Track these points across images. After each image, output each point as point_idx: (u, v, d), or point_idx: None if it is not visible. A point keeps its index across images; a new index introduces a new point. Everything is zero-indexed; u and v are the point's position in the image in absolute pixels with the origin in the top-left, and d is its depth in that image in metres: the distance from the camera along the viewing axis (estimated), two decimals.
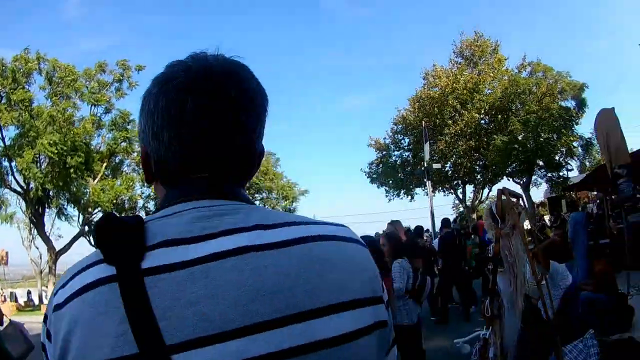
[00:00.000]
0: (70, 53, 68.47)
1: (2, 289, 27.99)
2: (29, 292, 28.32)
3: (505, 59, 29.02)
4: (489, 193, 33.03)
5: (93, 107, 24.98)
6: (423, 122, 24.91)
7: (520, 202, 3.94)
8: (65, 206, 24.89)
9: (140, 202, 28.69)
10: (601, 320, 5.18)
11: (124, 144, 25.82)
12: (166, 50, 58.97)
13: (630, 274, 7.41)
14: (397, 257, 5.63)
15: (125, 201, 27.45)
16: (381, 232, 9.15)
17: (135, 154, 26.62)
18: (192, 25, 69.73)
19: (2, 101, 22.25)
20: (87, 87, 24.34)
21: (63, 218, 25.13)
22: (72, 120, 21.95)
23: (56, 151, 20.57)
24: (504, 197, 3.75)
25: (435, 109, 28.56)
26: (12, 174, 21.93)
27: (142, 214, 28.64)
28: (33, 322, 19.53)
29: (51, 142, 20.59)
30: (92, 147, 24.01)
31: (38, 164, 21.81)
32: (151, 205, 28.33)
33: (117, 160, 27.91)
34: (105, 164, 26.13)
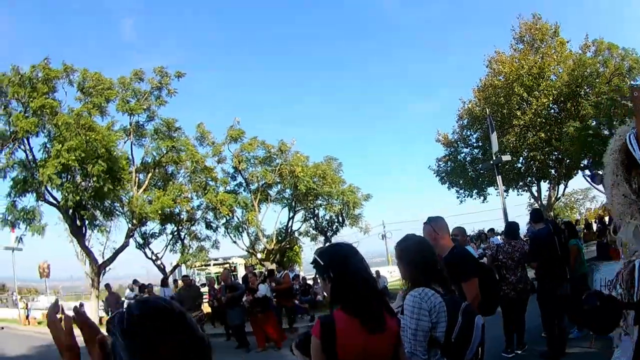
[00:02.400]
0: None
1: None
2: (81, 305, 27.28)
3: (567, 42, 27.21)
4: (564, 190, 31.37)
5: (131, 116, 24.03)
6: (487, 110, 23.13)
7: None
8: (98, 217, 23.87)
9: (199, 214, 27.28)
10: None
11: (171, 153, 24.77)
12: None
13: None
14: (417, 284, 3.21)
15: (183, 213, 26.40)
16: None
17: (189, 163, 25.63)
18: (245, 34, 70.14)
19: (19, 110, 21.33)
20: (119, 96, 23.31)
21: (96, 230, 24.00)
22: (93, 127, 20.89)
23: (74, 157, 19.41)
24: None
25: (502, 98, 26.99)
26: (45, 186, 21.08)
27: (202, 225, 27.28)
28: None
29: (70, 148, 19.49)
30: (121, 154, 22.99)
31: (65, 175, 20.98)
32: (210, 216, 26.93)
33: (169, 171, 26.81)
34: (150, 175, 25.10)
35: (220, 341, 14.90)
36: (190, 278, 17.33)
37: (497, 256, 8.73)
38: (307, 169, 25.78)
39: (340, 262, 2.68)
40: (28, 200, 22.31)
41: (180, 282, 18.73)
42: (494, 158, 20.51)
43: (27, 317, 25.80)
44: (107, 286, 16.77)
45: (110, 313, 14.39)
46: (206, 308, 19.51)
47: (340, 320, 2.55)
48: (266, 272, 17.09)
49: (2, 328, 24.53)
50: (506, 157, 21.37)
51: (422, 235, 4.13)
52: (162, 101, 24.52)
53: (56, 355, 1.60)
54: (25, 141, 21.73)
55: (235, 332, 13.99)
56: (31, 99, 20.66)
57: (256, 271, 21.90)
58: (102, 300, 21.26)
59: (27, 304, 27.89)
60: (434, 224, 4.65)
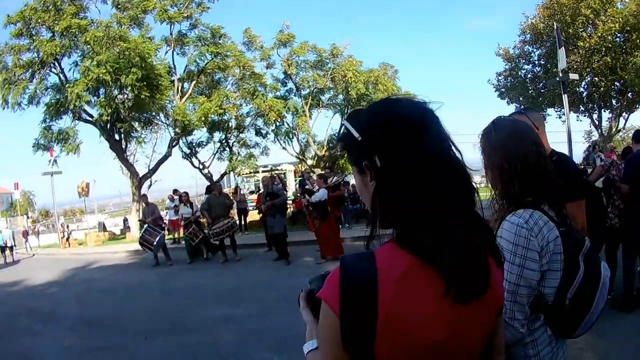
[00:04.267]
0: None
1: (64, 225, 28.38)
2: (125, 220, 28.39)
3: None
4: (625, 123, 31.02)
5: (171, 25, 23.13)
6: (555, 24, 20.73)
7: None
8: (136, 128, 23.86)
9: (248, 120, 27.07)
10: None
11: (216, 59, 23.99)
12: None
13: None
14: (517, 202, 1.87)
15: (231, 120, 26.14)
16: None
17: (238, 70, 24.94)
18: None
19: (44, 35, 21.14)
20: (157, 7, 22.33)
21: (134, 142, 24.11)
22: (125, 37, 20.14)
23: (105, 71, 18.94)
24: None
25: (568, 17, 25.47)
26: (79, 105, 21.04)
27: (252, 132, 27.33)
28: (107, 252, 20.17)
29: (100, 62, 19.01)
30: (159, 63, 22.45)
31: (98, 90, 20.78)
32: (260, 122, 26.68)
33: (216, 79, 26.18)
34: (194, 83, 24.56)
35: (259, 252, 14.62)
36: (220, 185, 17.07)
37: (611, 171, 6.92)
38: (360, 74, 24.50)
39: (401, 135, 1.16)
40: (64, 122, 22.68)
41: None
42: (560, 75, 18.36)
43: (67, 239, 26.51)
44: (144, 197, 16.84)
45: (145, 225, 14.35)
46: (256, 216, 19.57)
47: (391, 272, 1.11)
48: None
49: (33, 255, 25.54)
50: (574, 75, 19.33)
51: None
52: (204, 7, 23.48)
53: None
54: (57, 64, 21.51)
55: (275, 242, 13.09)
56: (56, 22, 20.15)
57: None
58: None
59: (65, 227, 28.67)
60: (531, 114, 2.84)
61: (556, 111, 29.67)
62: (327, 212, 11.82)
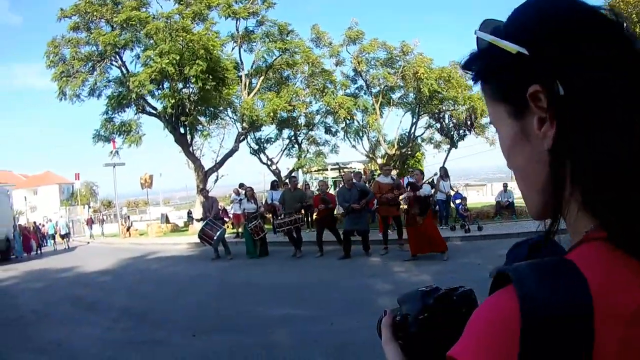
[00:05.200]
0: None
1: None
2: (189, 213, 28.67)
3: None
4: None
5: (237, 21, 23.07)
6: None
7: None
8: (202, 122, 23.92)
9: (317, 118, 26.82)
10: None
11: (284, 55, 23.79)
12: None
13: None
14: None
15: (301, 117, 25.95)
16: None
17: (307, 67, 24.71)
18: None
19: (103, 28, 21.40)
20: (222, 2, 22.22)
21: (199, 135, 24.15)
22: (187, 29, 20.06)
23: (168, 61, 18.85)
24: None
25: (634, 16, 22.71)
26: (142, 97, 21.25)
27: (321, 130, 26.98)
28: (167, 244, 20.03)
29: (162, 52, 18.94)
30: (226, 58, 22.31)
31: (162, 82, 20.88)
32: (330, 120, 26.43)
33: (284, 75, 26.00)
34: (262, 78, 24.43)
35: (326, 249, 13.35)
36: (296, 179, 16.67)
37: None
38: (432, 71, 23.60)
39: (600, 42, 0.61)
40: (127, 115, 22.90)
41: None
42: None
43: (127, 229, 26.92)
44: (203, 191, 16.78)
45: (205, 219, 14.23)
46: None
47: (617, 305, 0.52)
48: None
49: (88, 242, 26.12)
50: None
51: None
52: (270, 3, 23.22)
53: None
54: (118, 57, 21.82)
55: (363, 237, 12.46)
56: (114, 15, 20.38)
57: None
58: None
59: (126, 217, 29.41)
60: None
61: None
62: (429, 206, 11.46)
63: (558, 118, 0.61)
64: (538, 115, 0.63)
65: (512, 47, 0.64)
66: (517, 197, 17.88)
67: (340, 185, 15.44)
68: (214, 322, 7.01)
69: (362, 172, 18.74)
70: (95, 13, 20.81)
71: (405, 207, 11.92)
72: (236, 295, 9.17)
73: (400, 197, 12.21)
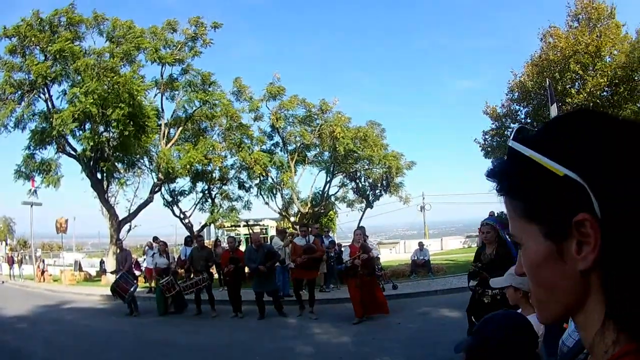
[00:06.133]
0: None
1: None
2: (101, 262, 27.28)
3: (623, 25, 25.72)
4: None
5: (162, 66, 22.73)
6: (547, 80, 20.92)
7: None
8: (119, 169, 23.21)
9: (232, 173, 26.51)
10: None
11: (204, 107, 23.62)
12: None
13: None
14: None
15: (215, 171, 25.60)
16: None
17: (225, 120, 24.64)
18: None
19: (37, 56, 20.62)
20: (150, 46, 21.95)
21: (115, 183, 23.33)
22: (115, 69, 19.74)
23: (92, 101, 18.33)
24: None
25: (557, 73, 25.52)
26: (64, 136, 20.48)
27: (235, 185, 26.31)
28: (81, 294, 19.06)
29: (88, 91, 18.42)
30: (148, 104, 22.06)
31: (84, 124, 20.23)
32: (244, 175, 26.28)
33: (202, 127, 25.77)
34: (180, 129, 24.05)
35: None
36: (202, 238, 16.21)
37: None
38: (348, 130, 24.33)
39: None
40: (48, 153, 21.93)
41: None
42: None
43: (42, 273, 25.63)
44: (118, 242, 16.13)
45: (119, 272, 13.58)
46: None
47: None
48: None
49: (3, 282, 24.63)
50: None
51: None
52: (197, 51, 23.19)
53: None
54: (45, 90, 21.04)
55: (272, 297, 12.07)
56: (50, 44, 19.72)
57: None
58: None
59: (42, 260, 27.91)
60: None
61: None
62: (375, 268, 11.69)
63: (603, 242, 0.61)
64: (579, 239, 0.62)
65: (559, 169, 0.63)
66: (433, 255, 18.31)
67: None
68: None
69: (285, 230, 18.42)
70: (33, 38, 19.89)
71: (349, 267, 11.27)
72: (154, 356, 8.78)
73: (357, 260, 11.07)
